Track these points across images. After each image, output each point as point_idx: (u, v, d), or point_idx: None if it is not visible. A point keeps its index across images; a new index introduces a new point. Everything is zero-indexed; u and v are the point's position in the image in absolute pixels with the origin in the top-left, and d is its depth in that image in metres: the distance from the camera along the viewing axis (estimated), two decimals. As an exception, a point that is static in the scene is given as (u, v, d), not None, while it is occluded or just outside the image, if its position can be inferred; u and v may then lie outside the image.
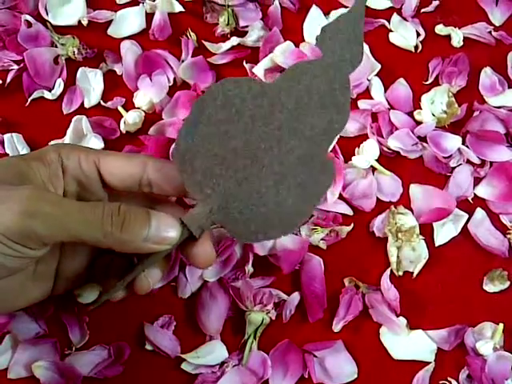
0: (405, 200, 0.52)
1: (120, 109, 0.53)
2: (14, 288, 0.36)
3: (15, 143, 0.51)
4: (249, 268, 0.48)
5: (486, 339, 0.47)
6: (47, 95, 0.54)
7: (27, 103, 0.54)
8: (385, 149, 0.53)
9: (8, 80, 0.53)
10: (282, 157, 0.38)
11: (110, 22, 0.57)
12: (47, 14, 0.56)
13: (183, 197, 0.43)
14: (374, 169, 0.52)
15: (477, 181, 0.53)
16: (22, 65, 0.54)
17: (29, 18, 0.55)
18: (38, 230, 0.31)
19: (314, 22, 0.58)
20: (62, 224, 0.32)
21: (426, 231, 0.51)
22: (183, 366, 0.46)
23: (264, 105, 0.38)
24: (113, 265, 0.40)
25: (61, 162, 0.37)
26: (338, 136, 0.51)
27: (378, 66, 0.56)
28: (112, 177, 0.38)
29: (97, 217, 0.33)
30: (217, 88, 0.38)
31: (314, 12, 0.58)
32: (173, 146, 0.37)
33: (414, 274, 0.49)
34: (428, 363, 0.47)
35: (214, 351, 0.46)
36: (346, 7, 0.59)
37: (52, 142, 0.51)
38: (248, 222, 0.37)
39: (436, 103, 0.54)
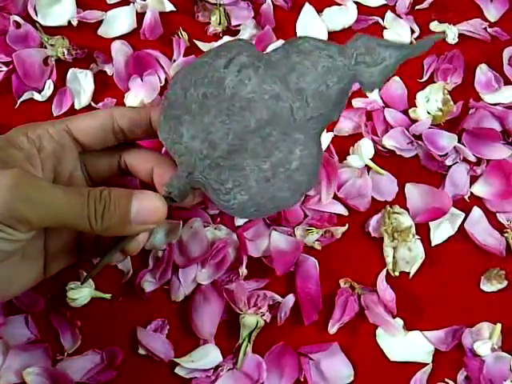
0: (400, 199, 0.51)
1: (111, 110, 0.52)
2: (5, 274, 0.36)
3: (5, 146, 0.50)
4: (242, 270, 0.47)
5: (483, 339, 0.47)
6: (37, 97, 0.53)
7: (17, 105, 0.53)
8: (380, 148, 0.52)
9: (-3, 82, 0.53)
10: (277, 140, 0.38)
11: (100, 22, 0.57)
12: (36, 14, 0.56)
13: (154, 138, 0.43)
14: (369, 168, 0.52)
15: (473, 179, 0.52)
16: (11, 66, 0.54)
17: (18, 18, 0.55)
18: (28, 215, 0.31)
19: (307, 19, 0.57)
20: (51, 211, 0.32)
21: (422, 231, 0.50)
22: (177, 370, 0.45)
23: (260, 73, 0.38)
24: (101, 239, 0.40)
25: (32, 142, 0.37)
26: (332, 137, 0.51)
27: (373, 64, 0.56)
28: (86, 135, 0.39)
29: (82, 206, 0.33)
30: (211, 53, 0.39)
31: (307, 10, 0.58)
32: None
33: (411, 275, 0.49)
34: (425, 364, 0.46)
35: (208, 355, 0.45)
36: (338, 4, 0.59)
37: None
38: (233, 196, 0.37)
39: (431, 101, 0.54)
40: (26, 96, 0.53)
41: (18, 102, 0.53)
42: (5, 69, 0.53)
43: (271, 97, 0.38)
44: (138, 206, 0.35)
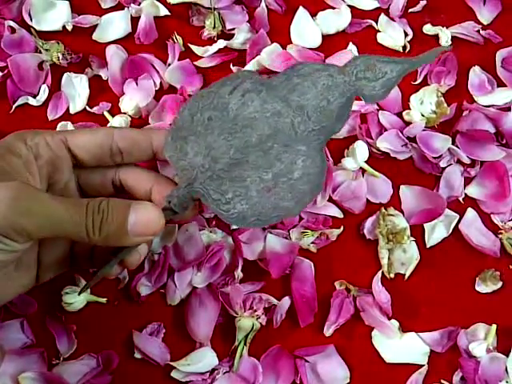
0: (395, 201, 0.52)
1: (106, 114, 0.53)
2: None
3: (0, 151, 0.50)
4: (238, 273, 0.47)
5: (479, 340, 0.47)
6: (32, 101, 0.53)
7: (12, 110, 0.53)
8: (374, 150, 0.52)
9: (-9, 87, 0.53)
10: (278, 154, 0.39)
11: (94, 27, 0.57)
12: (31, 19, 0.56)
13: (154, 160, 0.44)
14: (363, 170, 0.52)
15: (467, 181, 0.53)
16: (5, 71, 0.53)
17: (12, 23, 0.55)
18: (27, 227, 0.32)
19: (301, 23, 0.58)
20: (50, 223, 0.33)
21: (417, 232, 0.50)
22: (173, 373, 0.45)
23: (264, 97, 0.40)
24: (96, 248, 0.41)
25: (30, 149, 0.37)
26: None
27: (366, 67, 0.56)
28: (82, 151, 0.39)
29: (81, 217, 0.33)
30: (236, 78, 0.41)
31: (301, 14, 0.58)
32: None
33: (406, 276, 0.49)
34: (421, 366, 0.47)
35: (204, 358, 0.45)
36: (332, 8, 0.59)
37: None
38: (233, 206, 0.38)
39: (425, 103, 0.54)
40: (21, 101, 0.53)
41: (13, 107, 0.53)
42: (0, 74, 0.53)
43: (272, 114, 0.39)
44: (135, 218, 0.35)
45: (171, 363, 0.45)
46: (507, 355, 0.46)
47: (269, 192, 0.38)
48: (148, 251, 0.41)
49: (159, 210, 0.36)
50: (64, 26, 0.56)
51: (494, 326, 0.47)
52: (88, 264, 0.41)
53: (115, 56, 0.54)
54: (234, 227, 0.49)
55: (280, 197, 0.38)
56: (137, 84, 0.53)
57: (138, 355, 0.46)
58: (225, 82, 0.41)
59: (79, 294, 0.43)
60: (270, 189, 0.38)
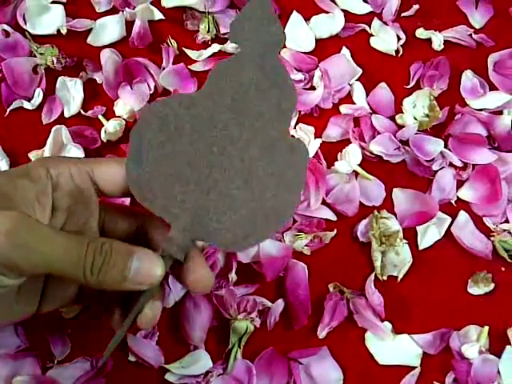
0: (388, 204, 0.52)
1: (100, 118, 0.53)
2: None
3: (-6, 154, 0.51)
4: (232, 276, 0.47)
5: (471, 342, 0.47)
6: (26, 105, 0.53)
7: (6, 114, 0.53)
8: (367, 153, 0.53)
9: (-14, 90, 0.53)
10: (240, 154, 0.37)
11: (89, 31, 0.57)
12: (25, 23, 0.56)
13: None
14: (356, 173, 0.52)
15: (459, 184, 0.53)
16: (0, 75, 0.54)
17: (6, 27, 0.55)
18: (19, 263, 0.30)
19: (295, 27, 0.58)
20: (46, 260, 0.31)
21: (410, 235, 0.51)
22: (167, 376, 0.45)
23: (200, 112, 0.37)
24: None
25: (50, 178, 0.35)
26: (320, 143, 0.52)
27: (360, 71, 0.56)
28: (107, 183, 0.37)
29: (80, 256, 0.32)
30: (147, 114, 0.37)
31: (295, 18, 0.58)
32: (123, 176, 0.37)
33: (399, 279, 0.49)
34: (414, 368, 0.47)
35: (199, 361, 0.46)
36: (326, 12, 0.59)
37: (32, 153, 0.51)
38: (232, 228, 0.36)
39: (418, 107, 0.54)
40: (15, 105, 0.53)
41: (8, 111, 0.53)
42: (-6, 77, 0.54)
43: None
44: (137, 265, 0.33)
45: (165, 366, 0.45)
46: (499, 357, 0.46)
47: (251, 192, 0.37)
48: (161, 308, 0.38)
49: (161, 260, 0.34)
50: (58, 30, 0.56)
51: (486, 328, 0.47)
52: (94, 302, 0.40)
53: (110, 60, 0.55)
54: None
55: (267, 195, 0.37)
56: (131, 88, 0.54)
57: (132, 358, 0.46)
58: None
59: (102, 361, 0.38)
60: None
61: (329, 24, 0.59)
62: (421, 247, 0.50)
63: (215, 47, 0.56)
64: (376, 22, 0.59)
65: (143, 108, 0.37)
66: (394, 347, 0.47)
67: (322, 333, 0.47)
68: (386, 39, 0.59)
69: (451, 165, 0.53)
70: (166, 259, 0.35)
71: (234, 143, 0.37)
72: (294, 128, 0.53)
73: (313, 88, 0.56)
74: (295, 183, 0.38)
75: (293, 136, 0.39)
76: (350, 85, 0.56)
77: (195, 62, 0.56)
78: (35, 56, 0.55)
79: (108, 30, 0.57)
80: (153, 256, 0.34)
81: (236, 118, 0.38)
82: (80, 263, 0.31)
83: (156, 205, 0.36)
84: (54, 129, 0.51)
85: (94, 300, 0.39)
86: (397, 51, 0.59)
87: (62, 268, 0.31)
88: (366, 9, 0.60)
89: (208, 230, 0.36)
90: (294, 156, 0.38)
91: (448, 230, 0.51)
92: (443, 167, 0.53)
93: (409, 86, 0.57)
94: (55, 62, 0.54)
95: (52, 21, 0.56)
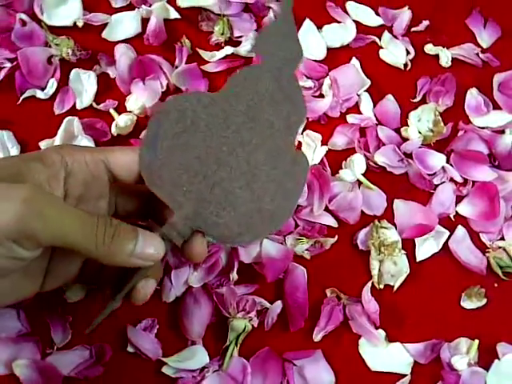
0: (388, 214, 0.53)
1: (112, 111, 0.54)
2: (3, 286, 0.35)
3: (5, 141, 0.51)
4: (233, 275, 0.48)
5: (461, 354, 0.48)
6: (39, 94, 0.54)
7: (19, 101, 0.54)
8: (371, 163, 0.54)
9: (0, 77, 0.54)
10: (247, 156, 0.39)
11: (105, 25, 0.58)
12: (42, 13, 0.57)
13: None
14: (360, 183, 0.53)
15: (459, 199, 0.54)
16: (15, 63, 0.54)
17: (24, 16, 0.55)
18: (37, 231, 0.31)
19: (307, 35, 0.59)
20: (61, 229, 0.32)
21: (408, 246, 0.52)
22: (164, 369, 0.46)
23: (217, 112, 0.39)
24: (105, 268, 0.40)
25: (65, 165, 0.36)
26: (326, 151, 0.53)
27: (368, 82, 0.58)
28: (122, 170, 0.39)
29: (92, 227, 0.33)
30: (168, 105, 0.39)
31: (307, 26, 0.60)
32: (137, 162, 0.38)
33: (395, 288, 0.50)
34: (404, 376, 0.48)
35: (196, 356, 0.46)
36: (338, 22, 0.61)
37: (43, 142, 0.51)
38: (229, 224, 0.38)
39: (423, 121, 0.56)
40: (28, 93, 0.54)
41: (21, 99, 0.54)
42: (9, 65, 0.54)
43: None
44: (142, 241, 0.35)
45: (163, 359, 0.46)
46: (487, 370, 0.48)
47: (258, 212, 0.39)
48: (154, 287, 0.40)
49: (162, 241, 0.36)
50: (75, 23, 0.57)
51: (477, 342, 0.49)
52: (95, 282, 0.41)
53: (124, 55, 0.55)
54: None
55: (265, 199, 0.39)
56: (144, 84, 0.54)
57: (130, 349, 0.46)
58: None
59: (88, 331, 0.39)
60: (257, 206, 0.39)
61: (340, 34, 0.60)
62: (418, 259, 0.51)
63: (228, 49, 0.57)
64: (386, 35, 0.61)
65: (167, 99, 0.39)
66: (386, 354, 0.48)
67: (317, 336, 0.48)
68: (395, 52, 0.60)
69: (452, 180, 0.55)
70: (166, 242, 0.37)
71: (243, 146, 0.39)
72: (302, 134, 0.54)
73: (321, 96, 0.57)
74: (293, 193, 0.40)
75: (298, 148, 0.40)
76: (358, 95, 0.57)
77: (207, 62, 0.57)
78: (50, 47, 0.55)
79: (123, 25, 0.58)
80: (156, 237, 0.36)
81: (248, 123, 0.40)
82: (93, 234, 0.33)
83: (163, 191, 0.38)
84: (66, 119, 0.51)
85: (93, 279, 0.40)
86: (405, 65, 0.60)
87: (76, 239, 0.32)
88: (377, 21, 0.62)
89: (207, 221, 0.38)
90: (295, 168, 0.40)
91: (445, 244, 0.52)
92: (444, 182, 0.55)
93: (415, 100, 0.58)
94: (70, 53, 0.55)
95: (69, 13, 0.57)
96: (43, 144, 0.51)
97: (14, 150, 0.51)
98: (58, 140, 0.51)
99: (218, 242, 0.39)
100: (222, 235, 0.38)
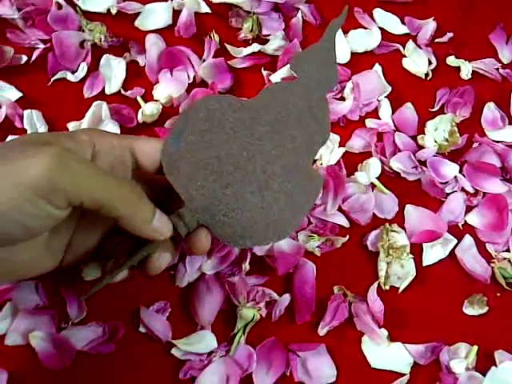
0: (399, 219, 0.54)
1: (139, 99, 0.55)
2: (25, 259, 0.37)
3: (34, 120, 0.53)
4: (245, 266, 0.50)
5: (460, 358, 0.50)
6: (70, 77, 0.55)
7: (50, 82, 0.55)
8: (386, 168, 0.55)
9: (33, 57, 0.55)
10: (264, 165, 0.41)
11: (137, 14, 0.59)
12: (78, -2, 0.58)
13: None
14: (373, 186, 0.55)
15: (469, 209, 0.56)
16: (48, 45, 0.56)
17: (60, 0, 0.57)
18: (65, 185, 0.32)
19: (333, 38, 0.60)
20: (88, 184, 0.33)
21: (416, 251, 0.53)
22: (173, 351, 0.47)
23: (244, 118, 0.41)
24: (118, 248, 0.41)
25: (92, 146, 0.37)
26: (343, 152, 0.54)
27: (389, 89, 0.59)
28: (146, 158, 0.40)
29: (119, 184, 0.35)
30: (200, 103, 0.41)
31: (337, 37, 0.60)
32: (160, 150, 0.40)
33: (400, 290, 0.51)
34: (403, 375, 0.49)
35: (204, 340, 0.48)
36: (364, 28, 0.62)
37: (70, 123, 0.53)
38: (234, 225, 0.40)
39: (439, 130, 0.57)
40: (59, 75, 0.55)
41: (52, 80, 0.55)
42: (42, 46, 0.56)
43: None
44: (158, 215, 0.37)
45: (172, 341, 0.47)
46: (484, 375, 0.49)
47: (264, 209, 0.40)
48: (170, 261, 0.41)
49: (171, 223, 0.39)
50: (109, 9, 0.58)
51: (476, 347, 0.50)
52: (109, 258, 0.42)
53: (154, 45, 0.57)
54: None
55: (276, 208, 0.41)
56: (171, 74, 0.56)
57: (142, 329, 0.48)
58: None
59: (88, 293, 0.40)
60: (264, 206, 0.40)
61: (365, 39, 0.61)
62: (425, 263, 0.53)
63: (255, 47, 0.58)
64: (410, 44, 0.62)
65: (200, 98, 0.41)
66: (387, 353, 0.50)
67: (322, 330, 0.50)
68: (417, 62, 0.61)
69: (463, 190, 0.56)
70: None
71: (262, 154, 0.41)
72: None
73: (343, 98, 0.58)
74: (301, 208, 0.42)
75: (314, 168, 0.42)
76: (378, 100, 0.59)
77: (234, 58, 0.58)
78: (84, 31, 0.57)
79: (155, 15, 0.59)
80: (167, 218, 0.38)
81: (272, 134, 0.42)
82: (119, 191, 0.35)
83: (178, 181, 0.39)
84: (95, 103, 0.53)
85: (106, 257, 0.42)
86: (426, 74, 0.61)
87: (103, 194, 0.34)
88: (402, 30, 0.63)
89: (214, 219, 0.40)
90: (308, 185, 0.42)
91: (452, 251, 0.53)
92: (455, 191, 0.56)
93: (433, 110, 0.59)
94: (102, 39, 0.56)
95: (103, 0, 0.59)
96: (71, 125, 0.53)
97: (42, 130, 0.53)
98: (85, 122, 0.52)
99: (220, 239, 0.40)
100: (225, 234, 0.40)
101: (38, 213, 0.32)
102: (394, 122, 0.58)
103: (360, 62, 0.61)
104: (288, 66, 0.57)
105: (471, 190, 0.56)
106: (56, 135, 0.37)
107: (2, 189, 0.30)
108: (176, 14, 0.59)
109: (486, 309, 0.52)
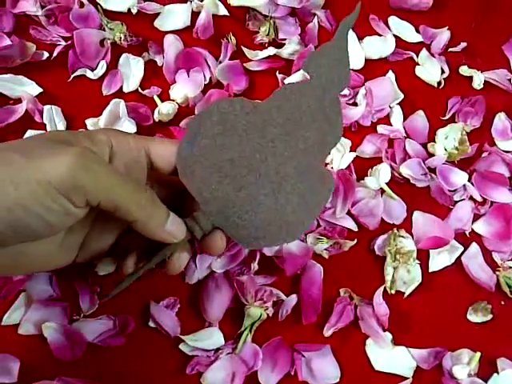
0: (407, 224, 0.55)
1: (156, 98, 0.56)
2: (40, 254, 0.38)
3: (53, 115, 0.54)
4: (254, 265, 0.50)
5: (462, 364, 0.50)
6: (89, 74, 0.56)
7: (69, 79, 0.56)
8: (396, 174, 0.56)
9: (54, 54, 0.56)
10: (277, 167, 0.41)
11: (157, 15, 0.60)
12: (99, -3, 0.59)
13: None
14: (383, 191, 0.55)
15: (476, 217, 0.56)
16: (69, 42, 0.57)
17: (82, -2, 0.58)
18: (86, 184, 0.33)
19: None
20: (107, 185, 0.34)
21: (423, 256, 0.54)
22: (181, 346, 0.48)
23: (256, 120, 0.42)
24: (131, 245, 0.42)
25: (110, 146, 0.38)
26: (354, 157, 0.55)
27: (401, 96, 0.60)
28: (161, 159, 0.41)
29: (135, 188, 0.36)
30: (213, 107, 0.41)
31: (349, 35, 0.61)
32: (175, 154, 0.41)
33: (406, 295, 0.52)
34: (406, 378, 0.50)
35: (212, 337, 0.49)
36: (379, 35, 0.63)
37: (88, 120, 0.54)
38: (248, 226, 0.41)
39: (449, 139, 0.58)
40: (79, 72, 0.56)
41: (71, 77, 0.56)
42: (63, 43, 0.57)
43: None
44: (172, 219, 0.39)
45: (181, 336, 0.48)
46: (486, 382, 0.50)
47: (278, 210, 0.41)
48: (188, 260, 0.42)
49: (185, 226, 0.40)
50: (129, 9, 0.59)
51: (478, 354, 0.51)
52: (124, 253, 0.43)
53: (172, 46, 0.58)
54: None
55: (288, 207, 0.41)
56: (188, 75, 0.57)
57: (152, 324, 0.49)
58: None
59: (109, 296, 0.41)
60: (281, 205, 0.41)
61: (380, 46, 0.62)
62: (431, 269, 0.53)
63: (271, 50, 0.59)
64: (424, 53, 0.62)
65: (215, 101, 0.42)
66: (391, 356, 0.51)
67: (327, 332, 0.50)
68: (430, 70, 0.62)
69: (471, 198, 0.57)
70: (187, 232, 0.40)
71: (275, 156, 0.42)
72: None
73: (355, 104, 0.59)
74: (313, 209, 0.43)
75: (326, 169, 0.43)
76: (390, 107, 0.59)
77: (250, 60, 0.59)
78: (104, 30, 0.58)
79: (175, 16, 0.60)
80: (181, 221, 0.40)
81: (284, 136, 0.42)
82: (135, 194, 0.36)
83: (192, 184, 0.40)
84: (113, 101, 0.54)
85: (120, 255, 0.43)
86: (439, 83, 0.62)
87: (120, 196, 0.35)
88: (416, 38, 0.63)
89: (228, 221, 0.40)
90: (321, 186, 0.43)
91: (458, 258, 0.54)
92: (464, 199, 0.56)
93: (444, 118, 0.60)
94: (122, 38, 0.57)
95: (124, -1, 0.60)
96: (89, 122, 0.54)
97: (61, 125, 0.54)
98: (102, 119, 0.53)
99: (235, 241, 0.41)
100: (239, 236, 0.41)
101: (58, 208, 0.33)
102: (405, 128, 0.59)
103: (374, 68, 0.61)
104: (302, 70, 0.58)
105: (479, 199, 0.56)
106: (75, 134, 0.38)
107: (27, 183, 0.31)
108: (195, 15, 0.60)
109: (489, 316, 0.53)
